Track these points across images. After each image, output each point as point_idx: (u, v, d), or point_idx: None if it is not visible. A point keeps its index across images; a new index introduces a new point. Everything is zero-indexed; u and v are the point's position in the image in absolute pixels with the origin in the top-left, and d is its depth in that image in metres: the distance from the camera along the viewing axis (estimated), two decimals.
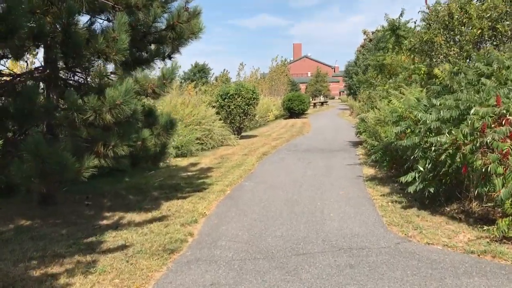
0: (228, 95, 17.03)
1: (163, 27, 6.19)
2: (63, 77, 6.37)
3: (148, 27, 6.13)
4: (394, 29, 18.68)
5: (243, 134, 18.38)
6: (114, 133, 5.40)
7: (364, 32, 43.79)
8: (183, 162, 11.49)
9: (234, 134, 17.23)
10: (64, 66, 5.28)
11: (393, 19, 17.96)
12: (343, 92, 75.71)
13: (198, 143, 13.31)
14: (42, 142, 4.78)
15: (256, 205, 6.90)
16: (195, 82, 36.74)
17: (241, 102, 16.96)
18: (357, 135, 13.82)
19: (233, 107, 16.93)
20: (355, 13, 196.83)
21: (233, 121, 17.15)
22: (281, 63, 46.62)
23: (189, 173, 9.79)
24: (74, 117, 5.05)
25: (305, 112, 33.53)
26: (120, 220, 6.05)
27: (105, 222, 6.00)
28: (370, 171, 9.67)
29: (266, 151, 13.24)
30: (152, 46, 6.51)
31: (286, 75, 47.48)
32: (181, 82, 31.90)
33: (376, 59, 20.78)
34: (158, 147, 6.53)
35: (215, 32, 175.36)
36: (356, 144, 14.50)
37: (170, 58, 7.03)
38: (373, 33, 40.06)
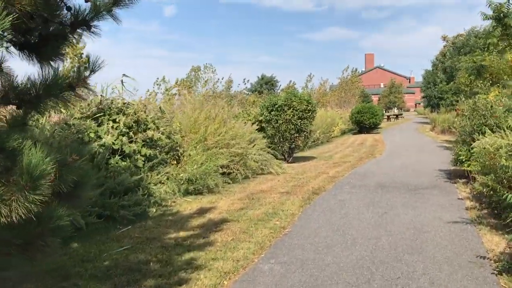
0: (276, 106, 13.13)
1: None
2: None
3: None
4: (501, 18, 13.97)
5: (296, 155, 14.38)
6: None
7: (444, 38, 38.70)
8: (191, 205, 7.73)
9: (284, 157, 13.32)
10: None
11: (499, 4, 13.25)
12: (419, 104, 69.36)
13: (224, 173, 9.52)
14: None
15: None
16: (256, 92, 33.96)
17: (292, 116, 12.96)
18: (457, 164, 9.40)
19: (281, 122, 12.99)
20: (429, 23, 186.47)
21: (282, 139, 13.20)
22: (351, 74, 43.11)
23: (182, 233, 5.97)
24: None
25: (378, 126, 28.93)
26: None
27: None
28: (495, 240, 5.36)
29: (318, 187, 9.12)
30: None
31: (357, 87, 43.60)
32: (246, 94, 29.22)
33: (473, 60, 16.30)
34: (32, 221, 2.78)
35: (286, 47, 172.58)
36: (452, 175, 10.02)
37: (89, 28, 3.33)
38: (458, 35, 35.02)
